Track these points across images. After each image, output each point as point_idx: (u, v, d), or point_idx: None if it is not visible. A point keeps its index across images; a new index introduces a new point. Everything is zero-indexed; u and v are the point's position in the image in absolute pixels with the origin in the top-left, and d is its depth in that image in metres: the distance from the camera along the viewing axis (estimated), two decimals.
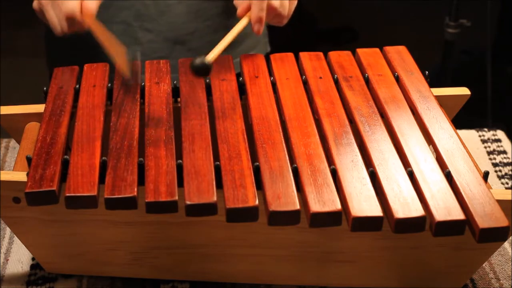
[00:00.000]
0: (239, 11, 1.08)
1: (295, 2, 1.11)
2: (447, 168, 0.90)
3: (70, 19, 1.03)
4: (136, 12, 1.23)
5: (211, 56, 0.98)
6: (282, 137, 0.94)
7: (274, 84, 1.05)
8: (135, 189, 0.85)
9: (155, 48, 1.26)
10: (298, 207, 0.83)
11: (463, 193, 0.86)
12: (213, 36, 1.29)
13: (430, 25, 2.59)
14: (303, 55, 1.11)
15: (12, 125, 1.05)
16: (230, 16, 1.29)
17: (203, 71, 0.96)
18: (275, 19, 1.09)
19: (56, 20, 1.05)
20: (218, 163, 0.88)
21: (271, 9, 1.06)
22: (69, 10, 1.02)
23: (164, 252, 0.98)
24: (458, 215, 0.83)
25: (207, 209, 0.84)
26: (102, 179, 0.87)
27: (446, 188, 0.86)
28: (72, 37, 1.17)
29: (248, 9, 1.07)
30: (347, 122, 0.97)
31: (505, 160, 1.25)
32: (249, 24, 1.33)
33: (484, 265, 1.03)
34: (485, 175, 0.90)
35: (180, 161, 0.89)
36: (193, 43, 1.27)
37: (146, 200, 0.84)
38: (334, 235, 0.95)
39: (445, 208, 0.83)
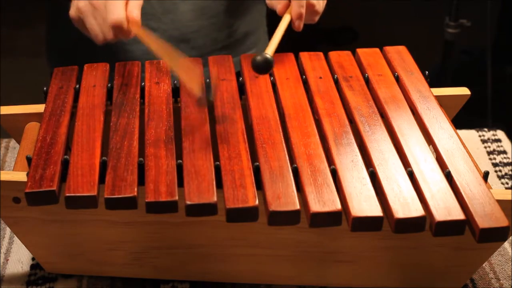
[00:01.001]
0: (280, 8, 1.08)
1: (326, 0, 1.12)
2: (447, 168, 0.90)
3: (117, 29, 0.98)
4: (141, 10, 1.23)
5: (270, 50, 0.97)
6: (282, 137, 0.94)
7: (274, 84, 1.05)
8: (135, 189, 0.85)
9: None
10: (298, 207, 0.83)
11: (463, 193, 0.86)
12: (217, 34, 1.29)
13: (430, 25, 2.59)
14: (303, 55, 1.11)
15: (12, 125, 1.05)
16: (233, 14, 1.30)
17: (268, 66, 0.95)
18: (310, 16, 1.09)
19: (98, 29, 1.00)
20: (218, 163, 0.88)
21: (309, 6, 1.07)
22: (116, 20, 0.97)
23: (164, 252, 0.98)
24: (458, 215, 0.83)
25: (207, 209, 0.84)
26: (102, 179, 0.87)
27: (446, 188, 0.86)
28: (72, 37, 1.17)
29: (287, 6, 1.07)
30: (347, 122, 0.97)
31: (505, 160, 1.25)
32: (251, 22, 1.33)
33: (484, 265, 1.03)
34: (485, 175, 0.90)
35: (180, 161, 0.89)
36: (197, 41, 1.28)
37: (146, 200, 0.84)
38: (334, 235, 0.95)
39: (445, 208, 0.83)
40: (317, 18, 1.11)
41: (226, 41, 1.31)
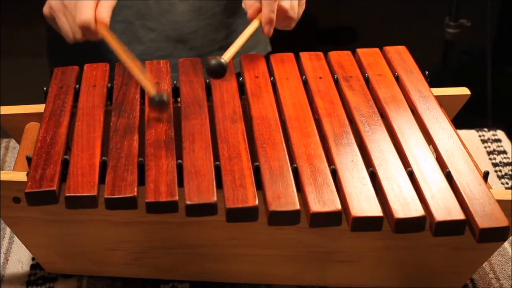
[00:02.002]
0: (250, 13, 1.06)
1: (303, 6, 1.11)
2: (447, 168, 0.90)
3: (85, 29, 1.01)
4: (138, 10, 1.23)
5: (227, 56, 0.97)
6: (282, 137, 0.94)
7: (274, 84, 1.05)
8: (135, 189, 0.85)
9: (156, 47, 1.26)
10: (298, 207, 0.83)
11: (463, 193, 0.86)
12: (214, 35, 1.29)
13: (430, 25, 2.60)
14: (303, 55, 1.11)
15: (12, 125, 1.05)
16: (231, 14, 1.29)
17: (221, 71, 0.94)
18: (284, 22, 1.08)
19: (68, 28, 1.03)
20: (218, 163, 0.88)
21: (281, 11, 1.05)
22: (84, 20, 1.00)
23: (164, 252, 0.98)
24: (458, 215, 0.83)
25: (207, 209, 0.84)
26: (102, 179, 0.87)
27: (446, 188, 0.86)
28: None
29: (259, 11, 1.05)
30: (347, 122, 0.97)
31: (505, 160, 1.25)
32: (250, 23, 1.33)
33: (484, 265, 1.03)
34: (485, 175, 0.90)
35: (180, 161, 0.89)
36: (195, 42, 1.28)
37: (146, 200, 0.84)
38: (334, 235, 0.95)
39: (445, 208, 0.83)
40: (293, 25, 1.09)
41: (224, 41, 1.30)
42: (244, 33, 1.03)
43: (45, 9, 1.07)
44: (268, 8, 1.04)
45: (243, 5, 1.09)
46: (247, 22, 1.33)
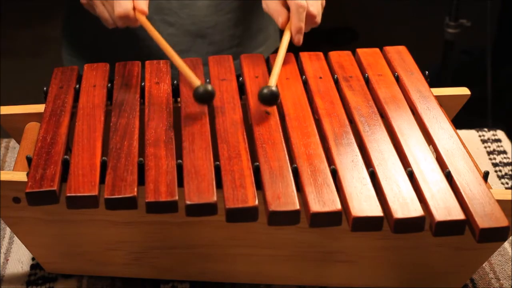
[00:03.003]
0: (282, 22, 1.07)
1: (323, 6, 1.11)
2: (447, 168, 0.90)
3: (124, 18, 1.03)
4: (157, 5, 1.24)
5: (273, 82, 0.98)
6: (282, 137, 0.94)
7: None
8: (135, 189, 0.85)
9: (175, 42, 1.26)
10: (298, 207, 0.83)
11: (463, 193, 0.86)
12: (234, 30, 1.29)
13: (430, 25, 2.60)
14: (303, 55, 1.11)
15: (12, 125, 1.05)
16: (250, 9, 1.29)
17: (275, 98, 0.96)
18: (309, 27, 1.09)
19: (108, 16, 1.06)
20: (218, 163, 0.88)
21: (310, 17, 1.06)
22: (122, 12, 1.03)
23: (164, 252, 0.98)
24: (458, 215, 0.83)
25: (207, 209, 0.84)
26: (102, 179, 0.87)
27: (446, 188, 0.86)
28: (91, 31, 1.18)
29: (289, 18, 1.07)
30: (347, 122, 0.97)
31: (505, 160, 1.25)
32: (263, 18, 1.32)
33: (484, 265, 1.03)
34: (485, 175, 0.90)
35: (180, 161, 0.89)
36: (214, 37, 1.28)
37: (146, 200, 0.84)
38: (334, 235, 0.95)
39: (445, 208, 0.84)
40: (310, 28, 1.11)
41: (242, 36, 1.31)
42: (281, 50, 1.04)
43: None
44: (296, 18, 1.05)
45: (264, 7, 1.10)
46: (261, 18, 1.33)
